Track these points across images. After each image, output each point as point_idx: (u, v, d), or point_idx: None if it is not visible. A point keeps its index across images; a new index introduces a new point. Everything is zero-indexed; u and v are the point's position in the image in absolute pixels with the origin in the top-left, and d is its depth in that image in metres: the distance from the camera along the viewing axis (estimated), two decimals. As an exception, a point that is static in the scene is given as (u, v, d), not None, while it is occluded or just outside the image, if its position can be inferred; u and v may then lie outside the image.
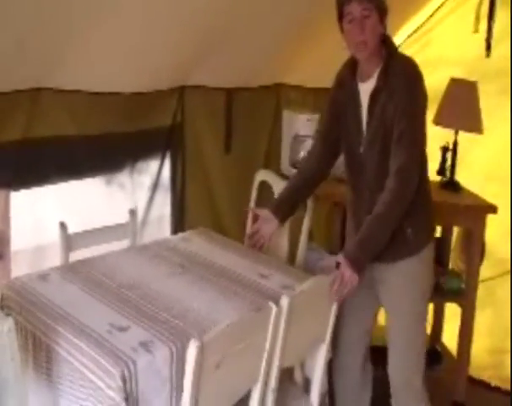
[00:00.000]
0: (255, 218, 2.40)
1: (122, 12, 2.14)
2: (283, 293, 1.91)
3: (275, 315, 1.79)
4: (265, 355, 1.82)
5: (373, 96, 2.04)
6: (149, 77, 2.67)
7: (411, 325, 2.19)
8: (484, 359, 2.86)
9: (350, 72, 2.13)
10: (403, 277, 2.15)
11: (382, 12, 1.98)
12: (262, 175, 2.86)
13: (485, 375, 2.97)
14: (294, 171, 3.13)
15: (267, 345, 1.81)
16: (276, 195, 2.36)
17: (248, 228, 2.54)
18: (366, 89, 2.06)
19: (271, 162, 3.34)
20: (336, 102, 2.21)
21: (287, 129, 3.25)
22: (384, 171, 2.03)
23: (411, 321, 2.18)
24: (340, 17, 2.02)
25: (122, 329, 1.78)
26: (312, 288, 1.98)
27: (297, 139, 3.18)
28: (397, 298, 2.19)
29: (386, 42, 2.05)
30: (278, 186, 2.79)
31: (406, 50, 3.50)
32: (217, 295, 2.05)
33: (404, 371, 2.21)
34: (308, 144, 3.14)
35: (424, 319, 2.23)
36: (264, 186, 2.85)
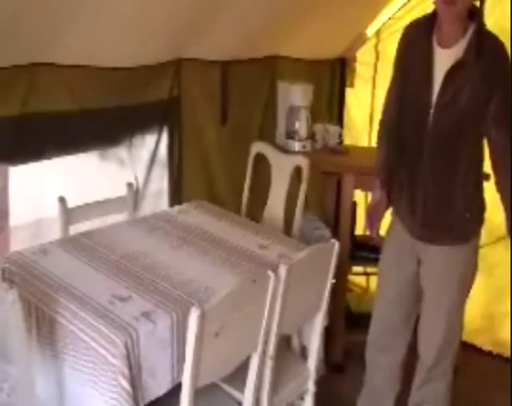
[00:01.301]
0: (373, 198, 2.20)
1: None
2: (280, 262, 1.95)
3: (273, 283, 1.83)
4: (264, 323, 1.86)
5: (456, 68, 1.89)
6: (146, 51, 2.66)
7: (446, 314, 2.13)
8: (476, 324, 2.93)
9: (427, 29, 1.96)
10: (448, 263, 2.09)
11: None
12: (257, 147, 2.89)
13: (477, 340, 3.04)
14: (289, 141, 3.17)
15: (265, 313, 1.85)
16: (376, 170, 2.18)
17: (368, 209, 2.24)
18: (447, 56, 1.91)
19: (267, 133, 3.34)
20: (405, 58, 2.07)
21: (282, 101, 3.25)
22: (452, 148, 1.97)
23: (447, 310, 2.12)
24: None
25: (124, 299, 1.83)
26: (308, 257, 2.02)
27: (292, 110, 3.19)
28: (437, 283, 2.13)
29: (476, 15, 1.91)
30: (273, 157, 2.82)
31: (398, 22, 3.49)
32: (216, 265, 2.09)
33: (434, 357, 2.17)
34: (303, 115, 3.17)
35: (460, 309, 2.18)
36: (260, 157, 2.88)
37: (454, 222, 2.05)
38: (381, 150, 2.21)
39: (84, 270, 2.00)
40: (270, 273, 1.83)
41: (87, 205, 2.40)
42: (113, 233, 2.29)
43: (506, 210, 1.95)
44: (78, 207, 2.36)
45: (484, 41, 1.88)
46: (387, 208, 2.14)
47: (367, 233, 2.23)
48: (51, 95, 2.38)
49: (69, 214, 2.32)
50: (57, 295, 1.82)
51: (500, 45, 1.90)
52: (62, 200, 2.29)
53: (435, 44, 1.96)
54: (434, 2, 1.90)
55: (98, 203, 2.44)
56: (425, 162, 2.03)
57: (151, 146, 2.89)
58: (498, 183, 1.97)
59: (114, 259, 2.08)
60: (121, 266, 2.03)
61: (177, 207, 2.68)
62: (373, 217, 2.13)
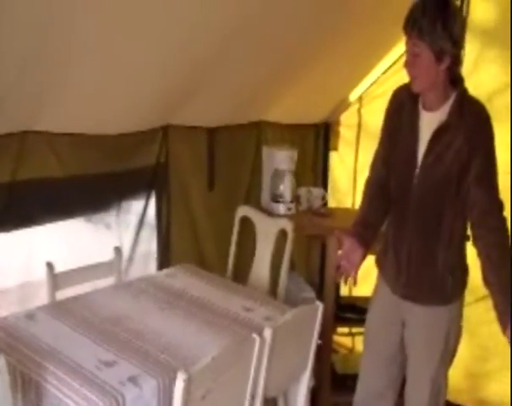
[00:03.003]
0: (340, 245, 2.18)
1: (106, 55, 2.21)
2: (266, 324, 1.97)
3: (258, 346, 1.85)
4: (249, 386, 1.87)
5: (440, 131, 1.98)
6: (134, 118, 2.74)
7: (431, 377, 2.12)
8: (459, 383, 2.92)
9: (412, 96, 2.05)
10: (432, 325, 2.10)
11: (438, 52, 1.89)
12: (243, 211, 2.95)
13: (460, 399, 3.01)
14: (274, 205, 3.24)
15: (251, 376, 1.86)
16: (354, 222, 2.19)
17: (336, 258, 2.30)
18: (431, 119, 2.00)
19: (253, 197, 3.41)
20: (393, 120, 2.15)
21: (267, 165, 3.34)
22: (436, 207, 2.02)
23: (432, 373, 2.12)
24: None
25: (110, 364, 1.83)
26: (293, 320, 2.05)
27: (277, 174, 3.27)
28: (421, 344, 2.14)
29: (457, 81, 2.00)
30: (258, 221, 2.87)
31: (379, 87, 3.64)
32: (202, 329, 2.11)
33: None
34: (288, 178, 3.26)
35: (446, 372, 2.17)
36: (246, 221, 2.94)
37: (438, 283, 2.08)
38: (364, 206, 2.25)
39: (70, 335, 2.01)
40: (255, 336, 1.86)
41: (74, 270, 2.42)
42: (100, 297, 2.31)
43: (482, 264, 1.99)
44: (66, 272, 2.38)
45: (466, 106, 1.98)
46: (363, 259, 2.11)
47: (338, 280, 2.22)
48: (40, 162, 2.43)
49: (57, 279, 2.34)
50: (44, 361, 1.83)
51: (482, 108, 1.99)
52: (49, 265, 2.31)
53: (420, 107, 2.04)
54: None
55: (85, 268, 2.46)
56: (410, 222, 2.08)
57: (139, 211, 2.94)
58: (475, 239, 2.02)
59: (100, 324, 2.09)
60: (107, 331, 2.04)
61: (163, 271, 2.71)
62: (345, 264, 2.10)
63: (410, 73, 1.97)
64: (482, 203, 1.97)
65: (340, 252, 2.19)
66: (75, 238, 2.65)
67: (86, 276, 2.45)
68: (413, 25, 1.90)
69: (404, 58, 1.99)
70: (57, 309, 2.20)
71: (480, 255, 2.00)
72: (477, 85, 2.93)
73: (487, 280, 1.97)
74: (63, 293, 2.34)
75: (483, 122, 1.98)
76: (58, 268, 2.34)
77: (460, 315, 2.14)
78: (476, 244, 2.01)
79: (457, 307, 2.13)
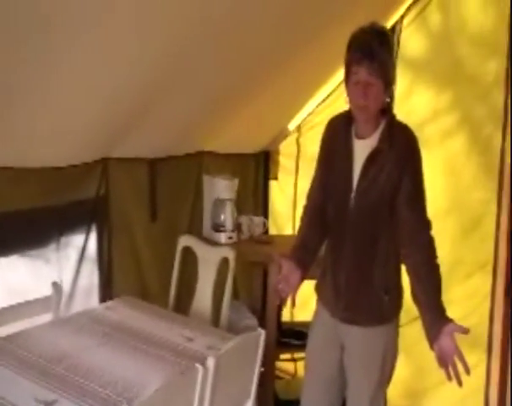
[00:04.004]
0: (280, 269, 2.19)
1: (43, 88, 2.19)
2: (208, 353, 1.98)
3: (201, 376, 1.86)
4: (193, 417, 1.87)
5: (373, 156, 2.06)
6: (72, 151, 2.70)
7: (368, 397, 2.16)
8: (398, 402, 3.00)
9: (346, 123, 2.14)
10: (369, 345, 2.15)
11: (388, 82, 2.00)
12: (185, 240, 2.96)
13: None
14: (215, 234, 3.26)
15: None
16: (292, 246, 2.24)
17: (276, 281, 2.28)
18: (363, 146, 2.08)
19: (196, 226, 3.42)
20: (328, 148, 2.23)
21: (208, 194, 3.36)
22: (371, 229, 2.09)
23: (370, 394, 2.16)
24: (347, 73, 2.04)
25: (50, 404, 1.79)
26: (236, 348, 2.07)
27: (218, 203, 3.30)
28: (359, 365, 2.18)
29: (387, 107, 2.09)
30: (200, 250, 2.89)
31: (316, 117, 3.76)
32: (143, 361, 2.09)
33: None
34: (229, 207, 3.29)
35: (383, 392, 2.22)
36: (188, 250, 2.94)
37: (375, 304, 2.14)
38: (302, 231, 2.31)
39: (7, 375, 1.95)
40: (198, 366, 1.86)
41: (11, 306, 2.36)
42: (37, 334, 2.25)
43: (411, 281, 2.05)
44: (3, 309, 2.31)
45: (395, 131, 2.08)
46: (301, 280, 2.15)
47: (277, 303, 2.26)
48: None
49: (-7, 317, 2.27)
50: (-21, 403, 1.77)
51: (409, 133, 2.10)
52: (-15, 303, 2.25)
53: (353, 135, 2.13)
54: (350, 105, 2.08)
55: (23, 304, 2.40)
56: (347, 245, 2.14)
57: (80, 244, 2.90)
58: (404, 257, 2.10)
59: (38, 362, 2.04)
60: (45, 369, 1.99)
61: (104, 304, 2.68)
62: (283, 287, 2.13)
63: (360, 102, 2.01)
64: (411, 222, 2.06)
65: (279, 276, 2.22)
66: (12, 275, 2.58)
67: (23, 313, 2.38)
68: (373, 57, 1.96)
69: (342, 87, 2.05)
70: (-6, 348, 2.13)
71: (409, 272, 2.08)
72: (409, 112, 3.10)
73: (415, 297, 2.05)
74: (1, 332, 2.27)
75: (411, 145, 2.08)
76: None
77: (396, 335, 2.20)
78: (405, 262, 2.10)
79: (393, 327, 2.19)
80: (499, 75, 3.01)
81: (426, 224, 2.08)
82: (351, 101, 2.07)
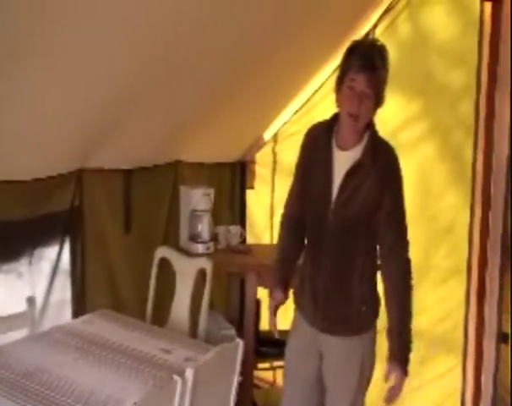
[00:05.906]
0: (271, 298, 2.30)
1: (15, 99, 2.17)
2: (187, 365, 1.97)
3: (180, 388, 1.84)
4: (172, 429, 1.85)
5: (354, 169, 2.05)
6: (45, 163, 2.67)
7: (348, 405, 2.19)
8: (378, 406, 3.02)
9: (326, 132, 2.12)
10: (347, 355, 2.16)
11: (379, 99, 2.03)
12: (161, 252, 2.94)
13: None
14: (192, 244, 3.25)
15: (173, 419, 1.85)
16: (274, 260, 2.31)
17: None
18: (345, 157, 2.07)
19: (171, 237, 3.39)
20: (307, 157, 2.20)
21: (184, 204, 3.35)
22: (350, 241, 2.09)
23: (348, 403, 2.18)
24: (342, 78, 2.03)
25: (24, 420, 1.76)
26: (214, 359, 2.06)
27: (194, 214, 3.29)
28: (338, 374, 2.20)
29: (370, 123, 2.09)
30: (177, 261, 2.87)
31: (292, 126, 3.78)
32: (121, 375, 2.07)
33: None
34: (205, 218, 3.28)
35: (361, 401, 2.23)
36: (165, 262, 2.93)
37: (352, 315, 2.15)
38: (282, 242, 2.33)
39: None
40: (177, 378, 1.85)
41: (-16, 323, 2.32)
42: (12, 350, 2.21)
43: (384, 291, 2.13)
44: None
45: (378, 147, 2.08)
46: (285, 301, 2.24)
47: (273, 331, 2.31)
48: None
49: (-36, 334, 2.23)
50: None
51: (392, 150, 2.11)
52: (-45, 320, 2.20)
53: (334, 145, 2.11)
54: (340, 111, 2.08)
55: (-4, 320, 2.36)
56: (325, 257, 2.14)
57: (53, 257, 2.86)
58: (381, 271, 2.14)
59: (12, 378, 1.99)
60: (20, 385, 1.95)
61: (80, 318, 2.64)
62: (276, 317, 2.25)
63: (353, 110, 2.01)
64: (390, 240, 2.09)
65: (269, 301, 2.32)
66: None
67: (-3, 328, 2.34)
68: (374, 70, 1.98)
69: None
70: (-35, 365, 2.09)
71: (383, 285, 2.13)
72: (382, 121, 3.13)
73: (386, 307, 2.12)
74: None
75: (394, 164, 2.10)
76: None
77: (373, 343, 2.22)
78: (381, 275, 2.14)
79: (371, 336, 2.21)
80: (468, 84, 3.06)
81: (404, 244, 2.11)
82: (342, 107, 2.06)
